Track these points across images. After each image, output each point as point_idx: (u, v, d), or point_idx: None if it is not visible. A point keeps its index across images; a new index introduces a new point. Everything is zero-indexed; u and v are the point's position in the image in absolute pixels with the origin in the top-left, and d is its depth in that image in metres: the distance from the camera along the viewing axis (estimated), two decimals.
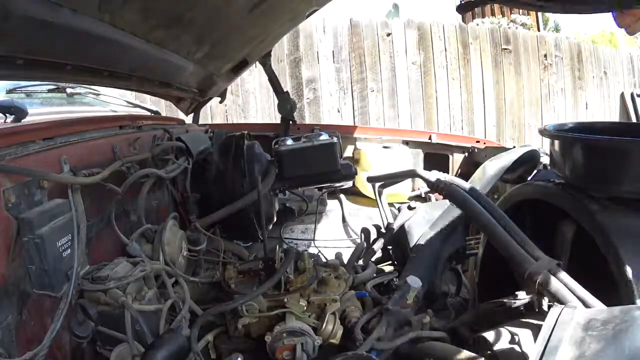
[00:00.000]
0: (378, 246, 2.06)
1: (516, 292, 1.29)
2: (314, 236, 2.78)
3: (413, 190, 3.00)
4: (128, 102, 2.70)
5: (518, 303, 1.26)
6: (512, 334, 1.15)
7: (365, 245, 2.09)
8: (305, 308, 1.35)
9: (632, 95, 7.32)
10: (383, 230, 2.14)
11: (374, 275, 1.81)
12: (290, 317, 1.32)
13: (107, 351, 1.10)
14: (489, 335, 1.19)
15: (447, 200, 1.72)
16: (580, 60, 6.85)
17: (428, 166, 2.89)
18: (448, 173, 2.80)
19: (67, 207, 1.06)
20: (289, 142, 2.15)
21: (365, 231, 2.20)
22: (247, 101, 5.66)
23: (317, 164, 2.14)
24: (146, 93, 2.88)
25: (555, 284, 1.17)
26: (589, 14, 1.27)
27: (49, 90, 2.33)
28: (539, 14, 9.34)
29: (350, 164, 2.23)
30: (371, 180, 2.46)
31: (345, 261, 1.94)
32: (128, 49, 1.44)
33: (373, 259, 2.04)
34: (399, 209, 2.16)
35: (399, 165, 2.71)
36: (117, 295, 1.07)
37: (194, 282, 1.51)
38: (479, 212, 1.47)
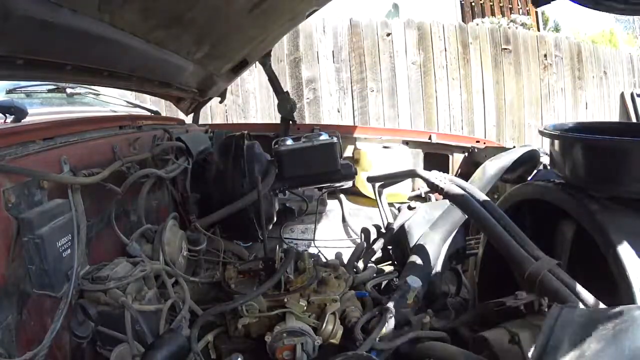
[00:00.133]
0: (378, 246, 2.06)
1: (516, 292, 1.29)
2: (314, 236, 2.78)
3: (413, 190, 3.00)
4: (128, 102, 2.70)
5: (518, 303, 1.26)
6: (512, 334, 1.15)
7: (365, 245, 2.09)
8: (305, 308, 1.35)
9: (632, 95, 7.32)
10: (383, 230, 2.14)
11: (374, 275, 1.81)
12: (290, 317, 1.32)
13: (107, 351, 1.10)
14: (489, 335, 1.19)
15: (447, 200, 1.72)
16: (580, 60, 6.85)
17: (428, 166, 2.89)
18: (448, 173, 2.79)
19: (67, 207, 1.06)
20: (289, 142, 2.15)
21: (365, 231, 2.20)
22: (247, 101, 5.66)
23: (317, 164, 2.14)
24: (146, 93, 2.88)
25: (555, 284, 1.17)
26: None
27: (49, 90, 2.33)
28: (539, 13, 9.35)
29: (350, 164, 2.23)
30: (371, 180, 2.46)
31: (345, 261, 1.94)
32: (128, 49, 1.44)
33: (373, 259, 2.04)
34: (399, 209, 2.16)
35: (399, 165, 2.71)
36: (117, 295, 1.07)
37: (194, 282, 1.51)
38: (479, 212, 1.47)
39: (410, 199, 2.86)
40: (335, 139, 2.13)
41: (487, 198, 1.53)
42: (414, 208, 2.06)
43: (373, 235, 2.16)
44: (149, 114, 2.64)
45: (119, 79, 1.65)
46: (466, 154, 2.93)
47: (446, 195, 1.65)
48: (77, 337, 1.07)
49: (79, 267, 1.05)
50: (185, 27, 1.62)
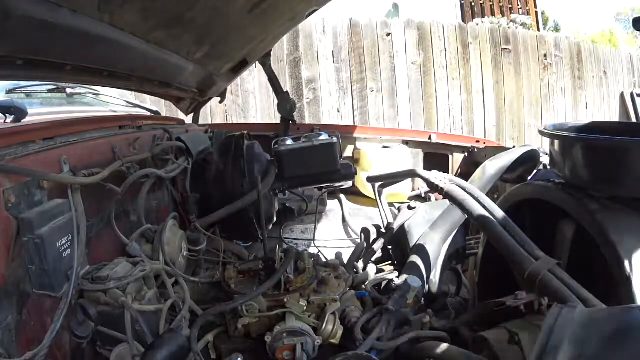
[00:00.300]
0: (378, 246, 2.06)
1: (516, 292, 1.29)
2: (314, 236, 2.78)
3: (413, 190, 3.00)
4: (128, 102, 2.70)
5: (518, 303, 1.26)
6: (512, 334, 1.15)
7: (365, 245, 2.09)
8: (305, 308, 1.35)
9: (632, 95, 7.33)
10: (383, 230, 2.14)
11: (374, 275, 1.81)
12: (290, 317, 1.32)
13: (107, 351, 1.10)
14: (489, 335, 1.19)
15: (447, 200, 1.72)
16: (580, 60, 6.85)
17: (428, 166, 2.89)
18: (448, 173, 2.79)
19: (67, 207, 1.06)
20: (289, 142, 2.15)
21: (365, 231, 2.20)
22: (247, 101, 5.66)
23: (317, 164, 2.14)
24: (146, 93, 2.88)
25: (555, 284, 1.17)
26: None
27: (49, 90, 2.33)
28: (539, 13, 9.35)
29: (350, 164, 2.23)
30: (371, 180, 2.46)
31: (345, 261, 1.94)
32: (128, 49, 1.44)
33: (373, 259, 2.04)
34: (399, 209, 2.16)
35: (399, 165, 2.71)
36: (117, 295, 1.07)
37: (194, 282, 1.51)
38: (479, 212, 1.47)
39: (410, 199, 2.86)
40: (335, 139, 2.13)
41: (487, 198, 1.53)
42: (414, 208, 2.06)
43: (373, 235, 2.16)
44: (149, 114, 2.64)
45: (119, 79, 1.65)
46: (466, 154, 2.93)
47: (446, 195, 1.65)
48: (77, 337, 1.07)
49: (79, 267, 1.05)
50: (185, 27, 1.62)
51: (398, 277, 1.76)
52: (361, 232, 2.23)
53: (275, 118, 5.08)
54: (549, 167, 1.99)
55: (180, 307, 1.25)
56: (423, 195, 2.89)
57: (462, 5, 9.43)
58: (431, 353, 1.26)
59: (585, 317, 0.81)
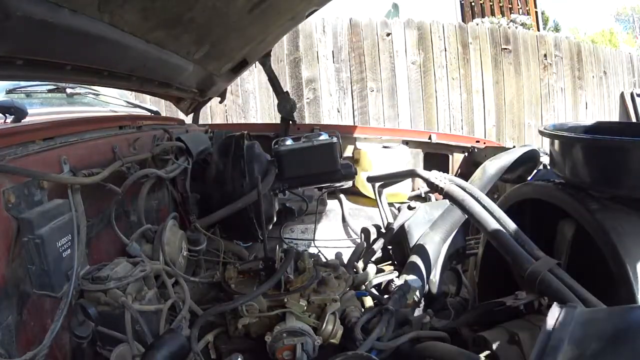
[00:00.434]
0: (378, 246, 2.06)
1: (516, 292, 1.29)
2: (314, 236, 2.78)
3: (413, 190, 3.00)
4: (128, 102, 2.71)
5: (518, 303, 1.26)
6: (512, 334, 1.16)
7: (365, 245, 2.09)
8: (305, 308, 1.35)
9: (632, 95, 7.33)
10: (383, 230, 2.14)
11: (374, 275, 1.81)
12: (290, 317, 1.32)
13: (107, 351, 1.10)
14: (489, 335, 1.19)
15: (447, 200, 1.72)
16: (580, 60, 6.85)
17: (428, 166, 2.89)
18: (448, 173, 2.79)
19: (67, 208, 1.06)
20: (289, 142, 2.15)
21: (365, 231, 2.20)
22: (247, 101, 5.66)
23: (317, 164, 2.14)
24: (146, 93, 2.88)
25: (555, 284, 1.17)
26: None
27: (49, 91, 2.33)
28: (539, 13, 9.35)
29: (350, 164, 2.23)
30: (371, 180, 2.46)
31: (345, 261, 1.94)
32: (128, 49, 1.44)
33: (373, 259, 2.04)
34: (399, 209, 2.16)
35: (399, 165, 2.71)
36: (117, 295, 1.07)
37: (194, 282, 1.51)
38: (479, 212, 1.47)
39: (410, 199, 2.86)
40: (335, 139, 2.13)
41: (487, 198, 1.52)
42: (414, 208, 2.06)
43: (373, 235, 2.16)
44: (149, 114, 2.65)
45: (119, 79, 1.65)
46: (466, 154, 2.93)
47: (446, 195, 1.65)
48: (77, 337, 1.07)
49: (79, 267, 1.05)
50: (185, 27, 1.62)
51: (398, 277, 1.76)
52: (361, 232, 2.23)
53: (275, 118, 5.08)
54: (549, 167, 1.99)
55: (180, 307, 1.25)
56: (423, 195, 2.89)
57: (462, 5, 9.43)
58: (431, 353, 1.26)
59: (585, 317, 0.81)
